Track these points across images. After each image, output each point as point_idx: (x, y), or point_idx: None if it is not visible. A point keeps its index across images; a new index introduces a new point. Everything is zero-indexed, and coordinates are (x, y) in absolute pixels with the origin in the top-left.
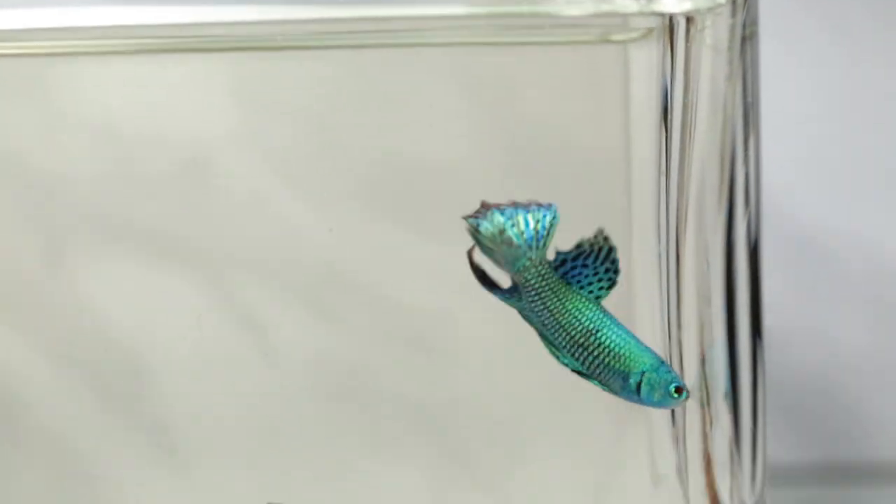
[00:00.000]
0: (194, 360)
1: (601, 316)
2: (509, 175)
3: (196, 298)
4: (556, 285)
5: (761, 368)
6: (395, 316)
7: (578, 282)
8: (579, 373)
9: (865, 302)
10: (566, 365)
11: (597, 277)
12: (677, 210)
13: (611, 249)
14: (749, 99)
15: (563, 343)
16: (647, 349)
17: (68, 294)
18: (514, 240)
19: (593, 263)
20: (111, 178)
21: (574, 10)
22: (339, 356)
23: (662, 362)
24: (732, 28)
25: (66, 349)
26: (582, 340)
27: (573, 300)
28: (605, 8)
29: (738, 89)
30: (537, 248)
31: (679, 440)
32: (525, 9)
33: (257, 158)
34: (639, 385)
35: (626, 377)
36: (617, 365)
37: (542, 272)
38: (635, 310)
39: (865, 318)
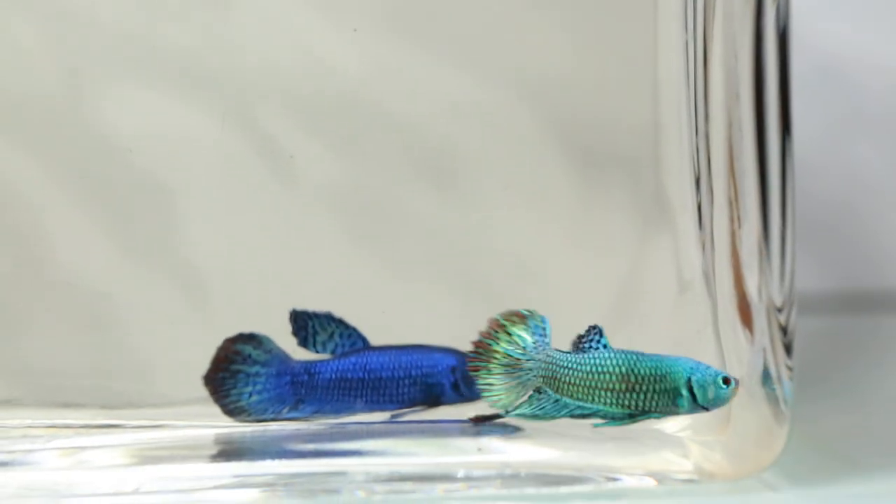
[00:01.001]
0: (216, 186)
1: (620, 355)
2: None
3: (215, 123)
4: (562, 360)
5: (790, 163)
6: (417, 142)
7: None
8: (634, 418)
9: (888, 130)
10: (621, 421)
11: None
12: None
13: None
14: None
15: (606, 401)
16: (677, 357)
17: (88, 119)
18: (519, 358)
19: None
20: (128, 5)
21: None
22: (362, 182)
23: (698, 362)
24: None
25: (83, 175)
26: (622, 387)
27: (588, 360)
28: None
29: None
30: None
31: (706, 245)
32: None
33: None
34: (692, 392)
35: (676, 393)
36: (663, 386)
37: (548, 361)
38: (661, 105)
39: (889, 146)
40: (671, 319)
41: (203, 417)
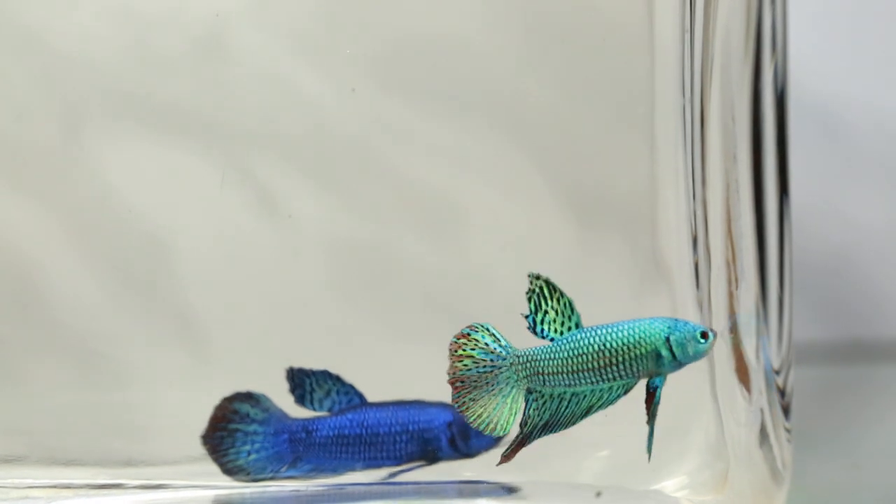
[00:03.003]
0: (211, 236)
1: (592, 332)
2: (529, 43)
3: (212, 170)
4: (535, 353)
5: (788, 225)
6: (409, 191)
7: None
8: (627, 390)
9: (882, 178)
10: (616, 397)
11: (560, 313)
12: (702, 61)
13: (546, 283)
14: None
15: (591, 380)
16: (653, 319)
17: (87, 172)
18: (488, 360)
19: (548, 305)
20: (128, 54)
21: None
22: (355, 231)
23: (675, 320)
24: None
25: (83, 228)
26: (601, 363)
27: (561, 345)
28: None
29: None
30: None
31: (704, 304)
32: None
33: (273, 33)
34: (672, 352)
35: (658, 356)
36: (643, 351)
37: (522, 359)
38: (658, 167)
39: (882, 194)
40: (667, 381)
41: (203, 476)
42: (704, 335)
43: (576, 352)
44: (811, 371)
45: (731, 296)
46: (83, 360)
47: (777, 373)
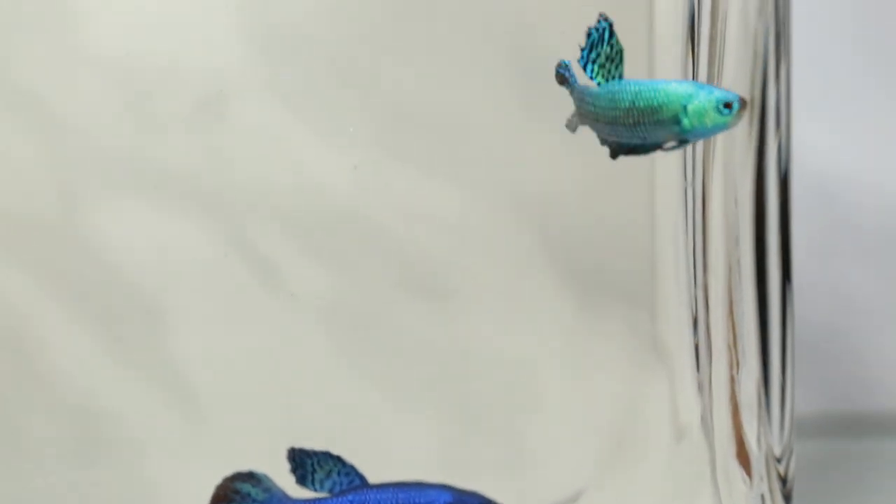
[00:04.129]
0: (208, 301)
1: (627, 87)
2: (529, 108)
3: (209, 239)
4: (584, 94)
5: (790, 310)
6: (410, 264)
7: (600, 70)
8: (658, 145)
9: (876, 252)
10: (649, 150)
11: (608, 57)
12: (704, 144)
13: (611, 27)
14: (780, 28)
15: (625, 135)
16: (680, 82)
17: (83, 236)
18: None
19: (600, 46)
20: (123, 119)
21: None
22: (355, 300)
23: (702, 86)
24: None
25: (80, 293)
26: (631, 121)
27: (601, 96)
28: None
29: (770, 19)
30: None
31: (704, 386)
32: None
33: (273, 98)
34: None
35: (677, 121)
36: (662, 117)
37: (578, 94)
38: (658, 251)
39: (876, 268)
40: (668, 465)
41: None
42: (728, 105)
43: (612, 104)
44: (807, 445)
45: (731, 380)
46: (78, 431)
47: (779, 460)
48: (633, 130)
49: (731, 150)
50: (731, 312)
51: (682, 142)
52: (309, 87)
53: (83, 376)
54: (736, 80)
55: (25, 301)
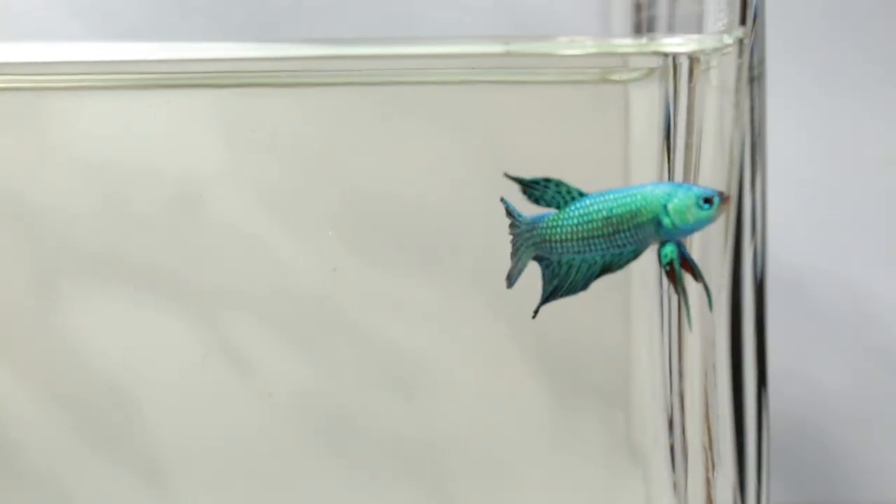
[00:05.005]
0: (184, 397)
1: (598, 199)
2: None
3: (186, 336)
4: (545, 223)
5: (766, 415)
6: (386, 356)
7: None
8: (637, 254)
9: (848, 346)
10: (626, 261)
11: (558, 191)
12: None
13: (523, 183)
14: (756, 138)
15: (601, 247)
16: (656, 185)
17: (58, 331)
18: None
19: (544, 189)
20: (101, 214)
21: (574, 50)
22: (329, 394)
23: (678, 185)
24: (739, 69)
25: (55, 387)
26: (608, 231)
27: (568, 216)
28: (605, 48)
29: (746, 129)
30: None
31: (680, 487)
32: (525, 48)
33: (248, 195)
34: (672, 220)
35: (659, 223)
36: (644, 219)
37: (531, 229)
38: (633, 356)
39: (847, 362)
40: None
41: None
42: (709, 200)
43: (583, 219)
44: None
45: (707, 482)
46: None
47: None
48: (611, 240)
49: (707, 255)
50: (706, 415)
51: (664, 243)
52: (286, 187)
53: (56, 463)
54: (712, 187)
55: (1, 393)
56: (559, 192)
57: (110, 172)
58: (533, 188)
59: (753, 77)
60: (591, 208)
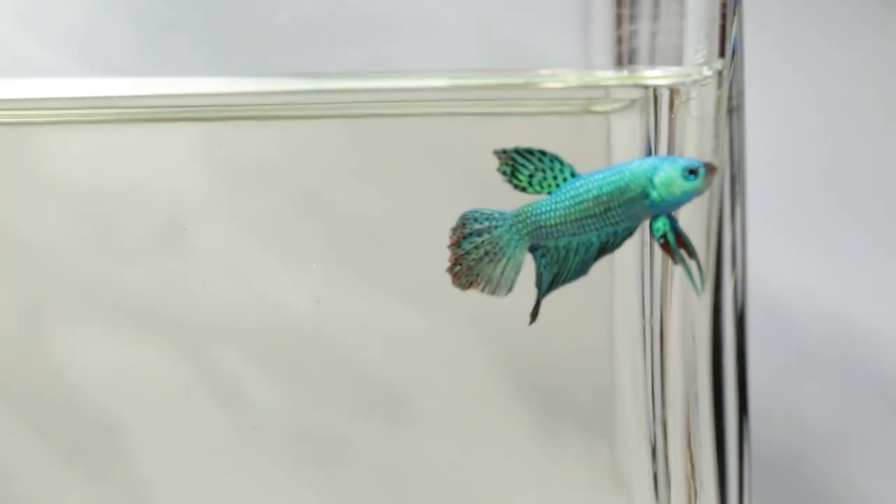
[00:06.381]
0: (172, 430)
1: (588, 179)
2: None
3: (174, 368)
4: (538, 210)
5: (747, 443)
6: (372, 387)
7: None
8: (631, 231)
9: (832, 376)
10: (622, 239)
11: (549, 169)
12: (661, 281)
13: (516, 152)
14: (735, 168)
15: (596, 226)
16: (643, 159)
17: (43, 363)
18: (487, 224)
19: (533, 167)
20: (88, 247)
21: (556, 83)
22: (319, 426)
23: (664, 159)
24: (718, 100)
25: (39, 418)
26: (600, 210)
27: (561, 199)
28: (587, 80)
29: (725, 160)
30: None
31: None
32: (507, 81)
33: (234, 228)
34: (660, 193)
35: (646, 197)
36: (632, 194)
37: (522, 220)
38: (617, 382)
39: (832, 391)
40: None
41: None
42: (694, 171)
43: (575, 200)
44: None
45: None
46: None
47: None
48: (604, 218)
49: (689, 287)
50: (689, 444)
51: (655, 217)
52: (272, 217)
53: (43, 502)
54: (692, 220)
55: None
56: (552, 169)
57: (97, 205)
58: (527, 159)
59: (732, 108)
60: (581, 189)
